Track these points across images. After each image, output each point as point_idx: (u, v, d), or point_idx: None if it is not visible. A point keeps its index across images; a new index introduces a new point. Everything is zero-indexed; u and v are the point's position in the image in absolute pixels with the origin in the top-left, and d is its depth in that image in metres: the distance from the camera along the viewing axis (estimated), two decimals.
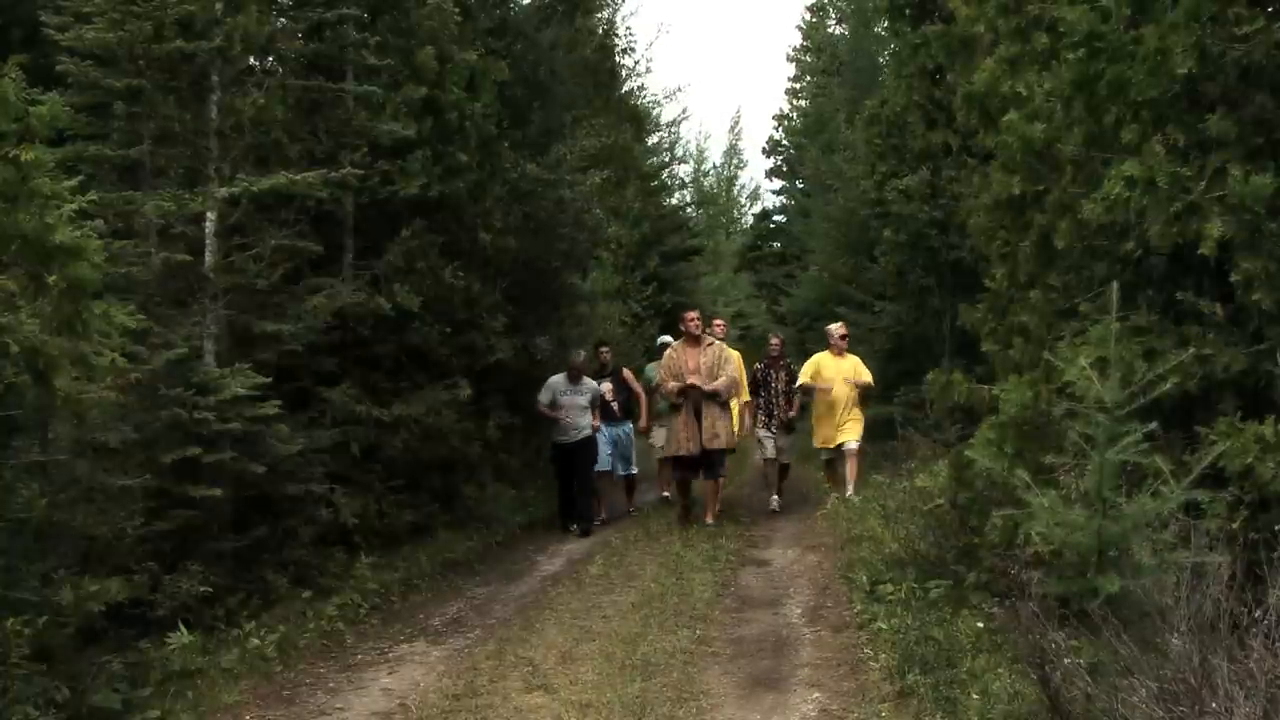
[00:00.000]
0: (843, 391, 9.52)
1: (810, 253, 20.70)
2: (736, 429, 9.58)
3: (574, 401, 9.07)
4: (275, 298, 6.28)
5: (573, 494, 9.14)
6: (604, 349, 10.17)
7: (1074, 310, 5.10)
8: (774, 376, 9.89)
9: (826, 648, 5.21)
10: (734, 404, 9.38)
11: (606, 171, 13.37)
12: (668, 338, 10.49)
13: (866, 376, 9.73)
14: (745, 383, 9.65)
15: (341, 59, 7.15)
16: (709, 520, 8.68)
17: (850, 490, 9.25)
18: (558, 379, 9.15)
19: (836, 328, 9.99)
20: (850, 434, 9.52)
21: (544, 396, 9.11)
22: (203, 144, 5.89)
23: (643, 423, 9.95)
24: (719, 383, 8.62)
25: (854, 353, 10.12)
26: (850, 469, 9.48)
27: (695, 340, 8.80)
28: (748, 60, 64.09)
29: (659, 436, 9.71)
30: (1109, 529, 3.82)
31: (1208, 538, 3.67)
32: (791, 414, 9.80)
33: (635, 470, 10.07)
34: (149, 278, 5.57)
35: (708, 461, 8.66)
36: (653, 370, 9.90)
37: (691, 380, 8.53)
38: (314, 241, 6.44)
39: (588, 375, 9.33)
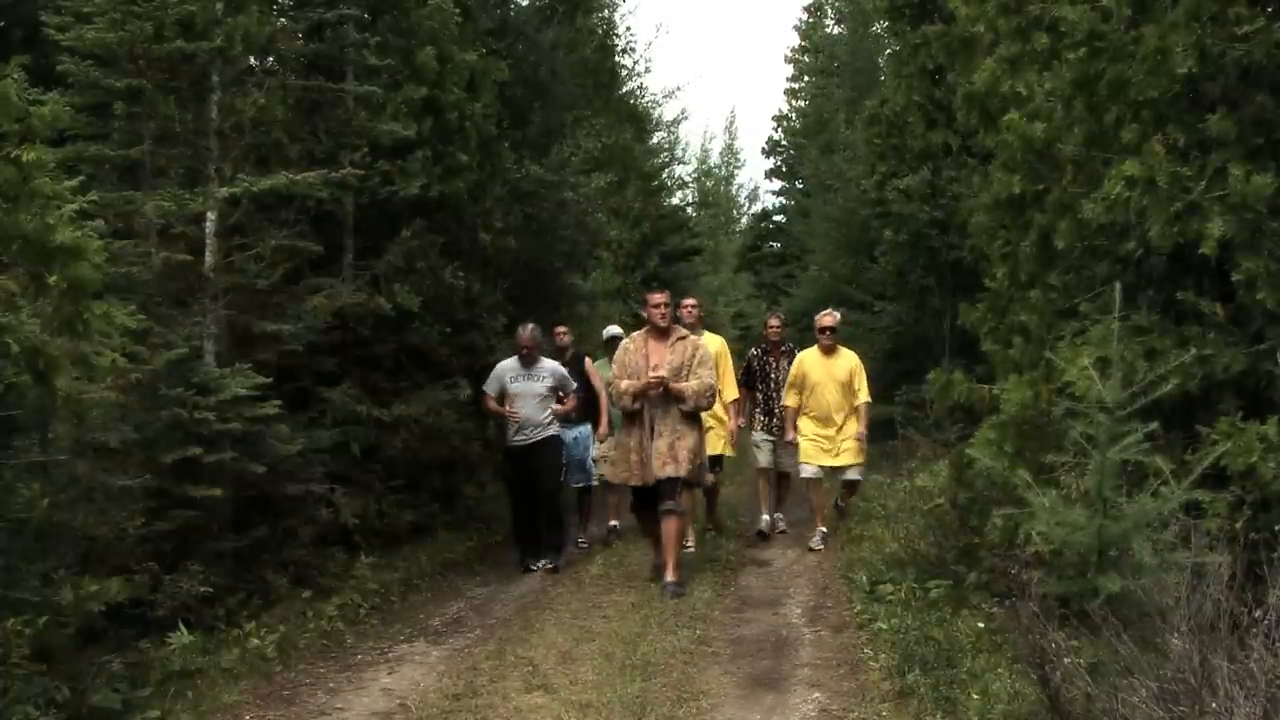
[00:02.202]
0: (833, 398, 7.74)
1: (810, 253, 20.73)
2: (723, 435, 7.80)
3: (529, 389, 7.10)
4: (275, 298, 6.29)
5: (533, 515, 7.17)
6: (561, 329, 8.06)
7: (1074, 310, 5.10)
8: (774, 365, 8.25)
9: (826, 648, 5.21)
10: (716, 408, 7.38)
11: (611, 175, 13.34)
12: (616, 329, 8.24)
13: (863, 391, 7.79)
14: (732, 377, 7.89)
15: (342, 59, 7.15)
16: (669, 577, 6.26)
17: (817, 539, 7.65)
18: (507, 363, 7.21)
19: (820, 317, 8.08)
20: (848, 458, 7.77)
21: (490, 387, 7.22)
22: (203, 144, 5.89)
23: (601, 429, 7.74)
24: (689, 384, 6.37)
25: (850, 348, 8.26)
26: (823, 502, 7.95)
27: (663, 333, 6.61)
28: (746, 61, 64.21)
29: (607, 449, 7.39)
30: (1110, 529, 3.83)
31: (1208, 538, 3.67)
32: (789, 438, 7.96)
33: (596, 481, 7.99)
34: (149, 278, 5.56)
35: (659, 493, 6.37)
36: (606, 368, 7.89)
37: (651, 379, 6.36)
38: (314, 241, 6.44)
39: (545, 354, 7.37)
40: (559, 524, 7.31)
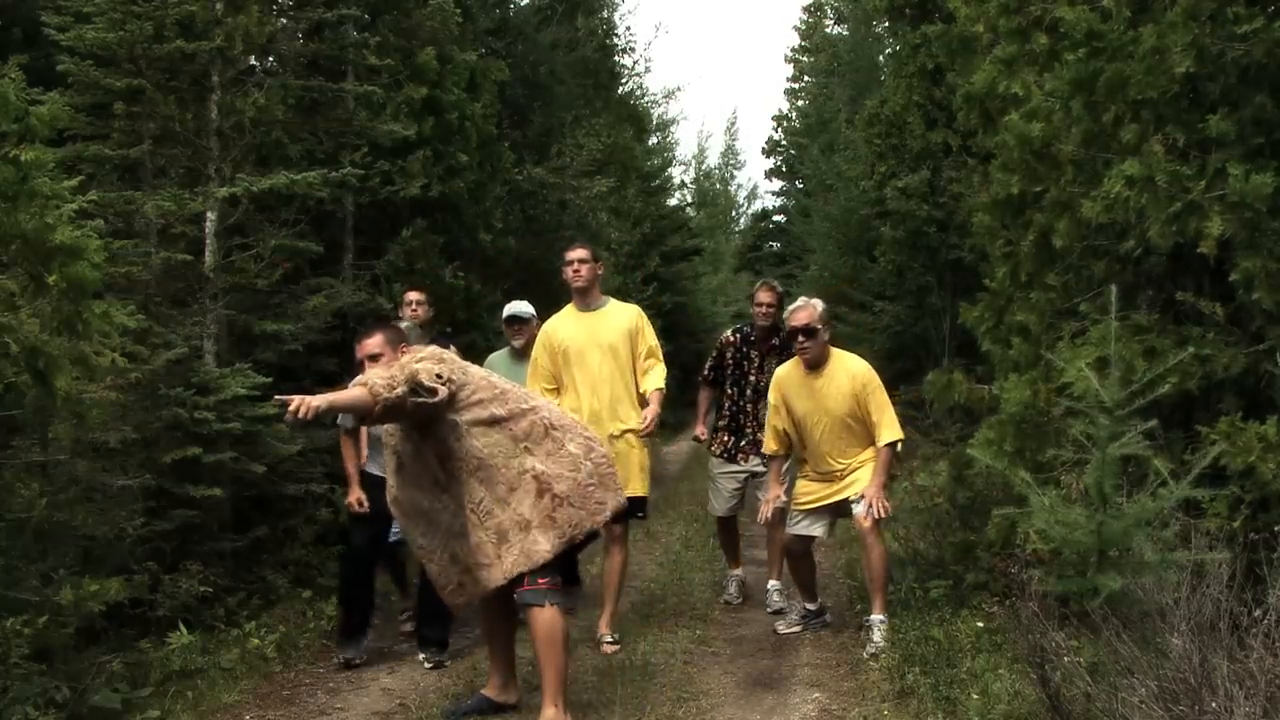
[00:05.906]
0: (829, 443, 4.97)
1: (810, 253, 20.73)
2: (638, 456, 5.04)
3: None
4: (275, 298, 6.30)
5: (371, 579, 5.08)
6: (415, 298, 5.68)
7: (1074, 310, 5.10)
8: (755, 362, 5.69)
9: (826, 648, 5.20)
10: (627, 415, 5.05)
11: (614, 180, 13.35)
12: (521, 306, 5.69)
13: (887, 426, 4.89)
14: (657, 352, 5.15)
15: (342, 59, 7.16)
16: (549, 712, 3.75)
17: (876, 618, 4.92)
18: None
19: (790, 313, 5.04)
20: (857, 485, 4.91)
21: (344, 419, 4.93)
22: (203, 144, 5.89)
23: None
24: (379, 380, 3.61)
25: (848, 348, 5.46)
26: (873, 561, 4.90)
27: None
28: (746, 61, 64.32)
29: None
30: (1110, 527, 3.82)
31: (1208, 537, 3.68)
32: (769, 497, 5.20)
33: None
34: (149, 278, 5.57)
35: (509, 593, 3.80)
36: (497, 360, 5.65)
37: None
38: (314, 241, 6.46)
39: (422, 337, 5.14)
40: (433, 601, 4.50)
